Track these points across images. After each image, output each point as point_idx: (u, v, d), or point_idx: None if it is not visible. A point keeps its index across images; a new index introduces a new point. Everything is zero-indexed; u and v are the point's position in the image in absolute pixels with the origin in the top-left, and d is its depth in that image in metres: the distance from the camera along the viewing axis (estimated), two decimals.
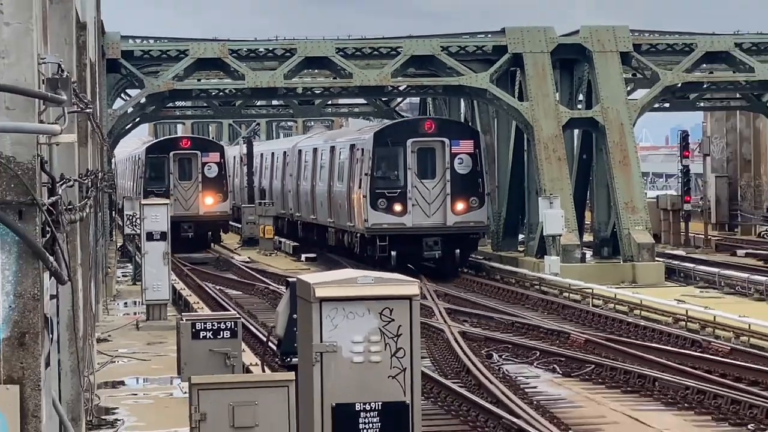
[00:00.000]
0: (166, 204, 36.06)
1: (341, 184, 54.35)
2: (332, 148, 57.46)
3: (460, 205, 49.36)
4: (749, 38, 55.38)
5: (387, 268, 43.00)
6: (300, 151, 65.72)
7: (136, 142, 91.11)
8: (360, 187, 50.37)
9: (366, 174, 49.56)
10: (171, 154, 65.28)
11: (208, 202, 64.79)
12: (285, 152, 70.87)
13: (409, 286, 10.52)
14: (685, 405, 23.98)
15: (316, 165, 60.75)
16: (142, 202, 37.93)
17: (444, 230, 49.41)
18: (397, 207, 49.06)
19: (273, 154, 75.57)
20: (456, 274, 50.03)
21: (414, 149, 49.55)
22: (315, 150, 61.58)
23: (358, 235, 51.43)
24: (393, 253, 48.54)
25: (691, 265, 49.36)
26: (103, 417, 21.67)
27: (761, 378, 25.73)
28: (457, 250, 49.43)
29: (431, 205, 49.26)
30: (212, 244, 67.26)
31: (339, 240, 55.69)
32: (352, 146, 53.05)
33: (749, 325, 31.11)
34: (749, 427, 22.07)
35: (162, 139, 79.19)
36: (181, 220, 62.15)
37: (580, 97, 55.64)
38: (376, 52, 54.40)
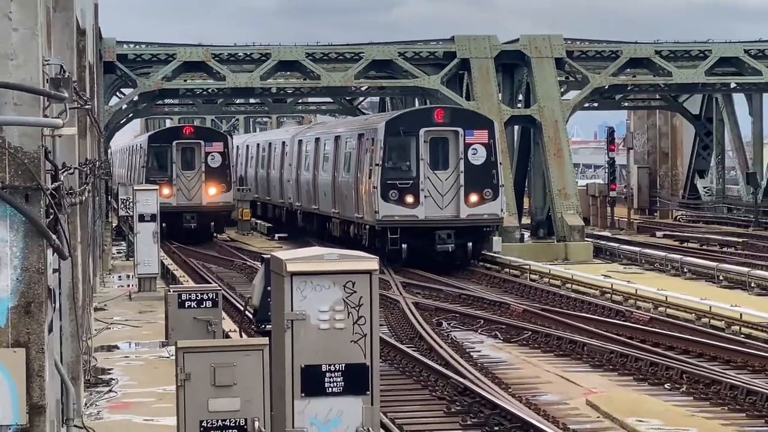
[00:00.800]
0: (155, 189, 35.97)
1: (347, 174, 47.25)
2: (337, 138, 49.84)
3: (473, 197, 42.46)
4: (667, 46, 55.58)
5: (399, 262, 41.76)
6: (300, 141, 57.46)
7: (129, 135, 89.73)
8: (370, 178, 43.35)
9: (377, 164, 42.68)
10: (174, 143, 56.27)
11: (212, 193, 56.15)
12: (284, 142, 61.59)
13: (369, 261, 10.52)
14: (610, 367, 24.07)
15: (318, 155, 53.02)
16: (135, 188, 37.95)
17: (457, 223, 42.58)
18: (409, 198, 42.21)
19: (270, 144, 65.74)
20: (467, 267, 43.41)
21: (426, 139, 42.63)
22: (317, 140, 53.53)
23: (367, 227, 44.48)
24: (404, 246, 42.06)
25: (616, 245, 49.42)
26: (99, 377, 21.61)
27: (676, 344, 25.84)
28: (470, 243, 42.79)
29: (444, 197, 42.38)
30: (215, 235, 58.73)
31: (344, 231, 48.59)
32: (361, 135, 45.91)
33: (666, 297, 31.31)
34: (666, 386, 22.16)
35: (165, 128, 68.87)
36: (184, 210, 56.42)
37: (520, 97, 55.89)
38: (341, 57, 54.54)
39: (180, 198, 56.43)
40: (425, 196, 42.26)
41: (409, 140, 42.71)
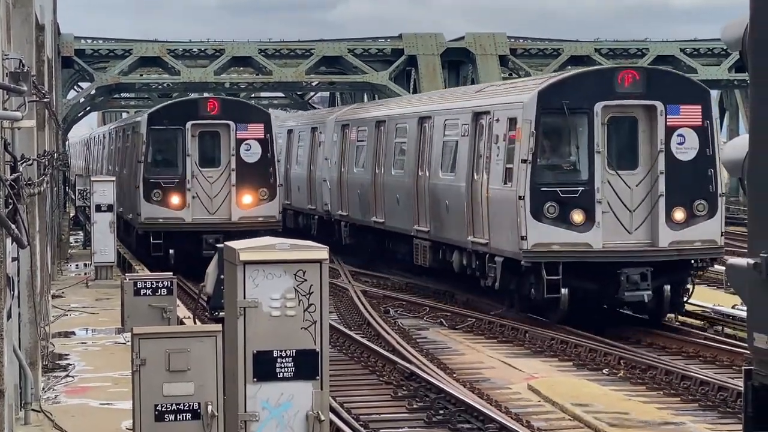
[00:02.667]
0: (113, 181, 35.83)
1: (452, 175, 29.68)
2: (422, 120, 32.19)
3: (679, 214, 25.52)
4: (607, 45, 56.14)
5: (553, 314, 25.86)
6: (346, 125, 39.31)
7: (86, 128, 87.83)
8: (508, 182, 26.08)
9: (523, 160, 25.31)
10: (188, 125, 34.11)
11: (247, 202, 34.31)
12: (314, 129, 43.18)
13: (319, 251, 10.52)
14: (551, 353, 24.15)
15: (381, 145, 35.38)
16: (92, 179, 37.89)
17: (654, 255, 25.39)
18: (577, 216, 25.01)
19: (290, 132, 46.76)
20: (668, 326, 26.44)
21: (604, 121, 25.32)
22: (380, 123, 35.78)
23: (500, 259, 26.39)
24: (564, 291, 24.86)
25: None
26: (57, 362, 21.53)
27: (615, 331, 25.95)
28: (667, 287, 25.57)
29: (634, 214, 25.28)
30: None
31: (442, 259, 30.70)
32: (477, 115, 28.35)
33: None
34: (604, 371, 22.27)
35: (174, 101, 40.96)
36: (204, 230, 34.89)
37: None
38: (292, 53, 54.72)
39: (197, 211, 35.02)
40: (603, 212, 25.22)
41: (572, 122, 25.62)
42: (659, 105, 25.26)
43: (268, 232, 30.62)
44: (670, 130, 25.56)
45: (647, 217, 25.24)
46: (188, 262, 33.50)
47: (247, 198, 34.29)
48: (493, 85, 33.03)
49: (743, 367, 5.63)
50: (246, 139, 34.21)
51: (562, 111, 25.17)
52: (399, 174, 33.73)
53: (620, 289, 24.71)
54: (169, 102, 39.00)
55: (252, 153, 34.28)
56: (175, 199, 34.22)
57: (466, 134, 28.83)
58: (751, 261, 5.55)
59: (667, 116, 25.56)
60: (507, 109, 26.63)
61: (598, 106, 25.11)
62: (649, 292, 24.73)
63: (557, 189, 25.14)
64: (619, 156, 25.72)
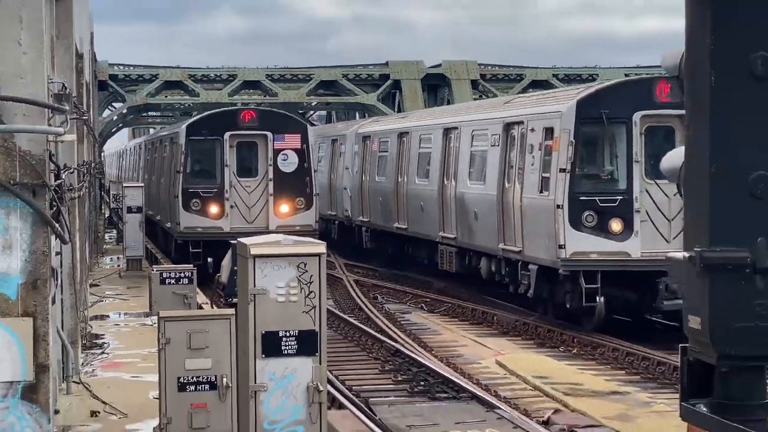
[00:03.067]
0: (141, 186, 35.84)
1: (480, 184, 26.36)
2: (447, 131, 29.10)
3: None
4: (563, 71, 56.20)
5: (588, 322, 22.81)
6: (367, 137, 36.62)
7: (118, 142, 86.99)
8: (544, 191, 22.96)
9: (562, 169, 22.32)
10: (226, 135, 30.16)
11: (284, 211, 30.43)
12: (334, 140, 40.73)
13: (318, 246, 10.51)
14: (515, 333, 24.17)
15: (404, 155, 32.42)
16: (124, 185, 37.94)
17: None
18: (615, 225, 22.13)
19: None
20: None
21: (642, 130, 22.38)
22: (403, 135, 32.78)
23: (534, 267, 23.38)
24: (600, 299, 22.06)
25: None
26: (93, 341, 21.49)
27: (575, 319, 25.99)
28: None
29: (672, 223, 21.99)
30: None
31: (468, 265, 27.75)
32: (509, 126, 25.06)
33: None
34: (560, 349, 22.29)
35: (212, 112, 34.59)
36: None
37: None
38: (295, 78, 54.81)
39: (235, 220, 31.16)
40: (641, 221, 22.17)
41: (612, 131, 22.62)
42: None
43: None
44: None
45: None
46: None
47: (285, 207, 30.02)
48: (521, 96, 29.59)
49: (680, 345, 5.63)
50: (283, 149, 30.06)
51: (600, 120, 22.29)
52: (423, 183, 30.68)
53: (658, 298, 21.57)
54: (208, 113, 33.52)
55: (289, 163, 30.10)
56: (213, 209, 29.93)
57: (497, 144, 25.44)
58: (687, 255, 5.54)
59: None
60: (543, 119, 23.34)
61: (637, 116, 22.30)
62: None
63: (596, 198, 22.28)
64: (657, 165, 21.04)
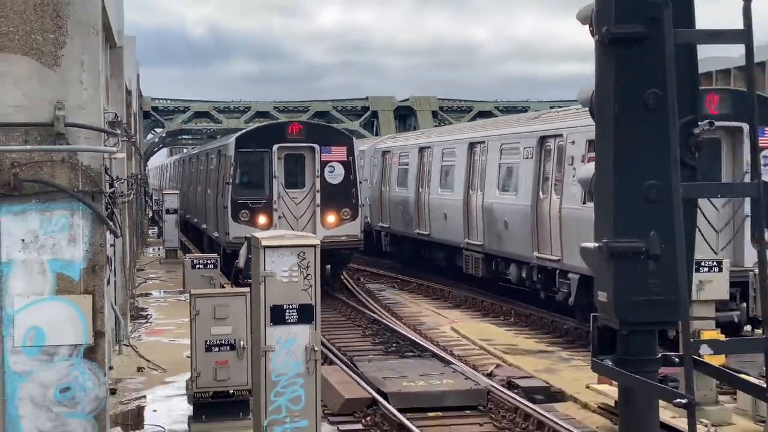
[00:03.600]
0: (177, 193, 35.69)
1: (512, 195, 22.38)
2: (473, 146, 25.35)
3: None
4: (502, 104, 56.31)
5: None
6: (387, 152, 32.56)
7: (159, 158, 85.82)
8: (588, 202, 18.44)
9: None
10: (275, 148, 25.30)
11: (330, 221, 25.46)
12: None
13: (314, 239, 10.47)
14: (466, 306, 24.18)
15: (425, 168, 28.65)
16: (164, 192, 37.79)
17: (742, 276, 16.69)
18: None
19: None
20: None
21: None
22: (424, 149, 28.99)
23: (575, 276, 19.36)
24: None
25: None
26: (140, 313, 21.41)
27: (516, 293, 25.99)
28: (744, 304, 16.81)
29: (720, 234, 17.40)
30: (332, 282, 25.96)
31: (495, 270, 23.77)
32: (543, 139, 21.19)
33: None
34: (501, 318, 22.31)
35: (261, 125, 31.62)
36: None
37: None
38: (296, 109, 54.82)
39: (283, 230, 24.64)
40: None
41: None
42: (744, 127, 17.18)
43: (351, 251, 25.54)
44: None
45: (733, 238, 17.49)
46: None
47: (331, 218, 24.85)
48: (550, 112, 24.55)
49: (592, 314, 5.66)
50: (330, 161, 24.94)
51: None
52: (447, 193, 26.54)
53: None
54: (257, 126, 29.14)
55: (335, 175, 24.93)
56: (262, 219, 24.64)
57: (530, 157, 21.47)
58: (597, 245, 5.58)
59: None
60: (587, 132, 18.82)
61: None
62: (739, 312, 16.67)
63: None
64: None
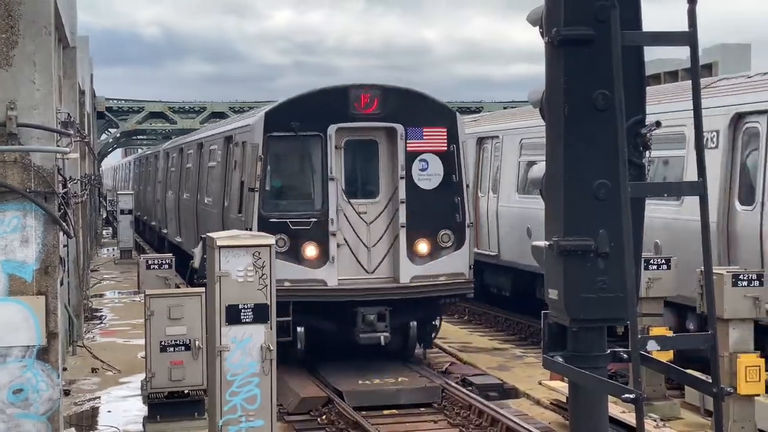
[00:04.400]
0: (132, 194, 35.46)
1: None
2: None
3: (422, 246, 14.44)
4: (456, 104, 56.24)
5: None
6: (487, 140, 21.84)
7: (113, 159, 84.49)
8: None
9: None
10: (331, 130, 13.41)
11: (422, 252, 13.62)
12: None
13: (269, 239, 10.44)
14: None
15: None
16: (118, 192, 37.57)
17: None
18: None
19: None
20: None
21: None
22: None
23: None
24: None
25: None
26: (94, 314, 21.22)
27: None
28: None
29: None
30: (421, 349, 14.63)
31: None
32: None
33: None
34: (455, 316, 22.35)
35: (307, 92, 13.92)
36: (356, 298, 13.82)
37: None
38: (251, 108, 54.50)
39: (346, 268, 14.30)
40: None
41: None
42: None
43: (454, 298, 15.44)
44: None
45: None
46: (334, 351, 15.18)
47: (423, 246, 14.63)
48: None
49: (542, 311, 5.71)
50: (421, 152, 14.66)
51: None
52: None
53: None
54: (300, 94, 14.97)
55: (430, 174, 14.68)
56: (310, 250, 14.43)
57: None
58: (547, 243, 5.63)
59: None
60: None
61: None
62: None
63: None
64: None
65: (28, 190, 8.90)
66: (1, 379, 8.83)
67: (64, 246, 13.14)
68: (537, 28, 5.61)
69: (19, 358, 8.88)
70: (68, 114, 10.64)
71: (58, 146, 9.34)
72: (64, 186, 9.85)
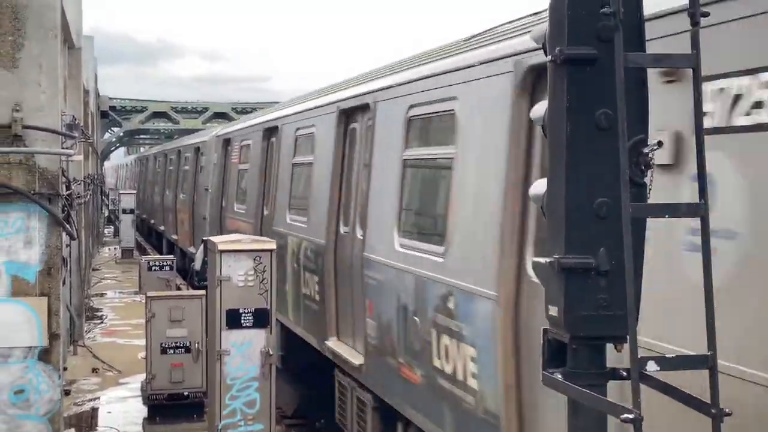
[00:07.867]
0: (134, 193, 35.57)
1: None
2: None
3: None
4: None
5: None
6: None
7: (116, 158, 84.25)
8: None
9: None
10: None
11: None
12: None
13: (270, 244, 10.47)
14: None
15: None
16: (120, 192, 37.63)
17: None
18: None
19: None
20: None
21: None
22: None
23: None
24: None
25: None
26: (95, 314, 21.25)
27: None
28: None
29: None
30: None
31: None
32: None
33: None
34: None
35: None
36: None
37: None
38: (252, 110, 54.59)
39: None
40: None
41: None
42: None
43: None
44: None
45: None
46: None
47: None
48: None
49: (542, 328, 5.72)
50: None
51: None
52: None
53: None
54: None
55: None
56: None
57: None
58: (549, 260, 5.65)
59: None
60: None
61: None
62: None
63: None
64: None
65: (32, 192, 8.92)
66: (2, 379, 8.84)
67: (67, 246, 13.15)
68: (540, 45, 5.63)
69: (21, 359, 8.89)
70: (73, 116, 10.63)
71: (62, 148, 9.36)
72: (68, 187, 9.87)
